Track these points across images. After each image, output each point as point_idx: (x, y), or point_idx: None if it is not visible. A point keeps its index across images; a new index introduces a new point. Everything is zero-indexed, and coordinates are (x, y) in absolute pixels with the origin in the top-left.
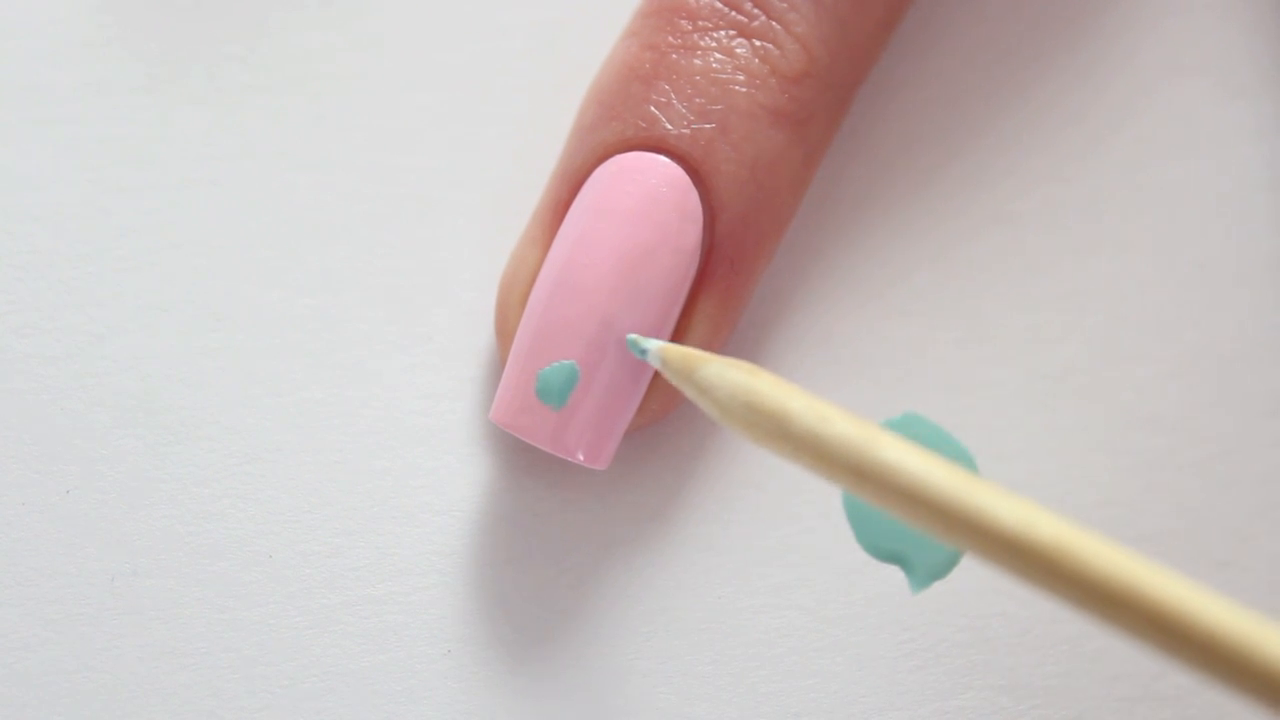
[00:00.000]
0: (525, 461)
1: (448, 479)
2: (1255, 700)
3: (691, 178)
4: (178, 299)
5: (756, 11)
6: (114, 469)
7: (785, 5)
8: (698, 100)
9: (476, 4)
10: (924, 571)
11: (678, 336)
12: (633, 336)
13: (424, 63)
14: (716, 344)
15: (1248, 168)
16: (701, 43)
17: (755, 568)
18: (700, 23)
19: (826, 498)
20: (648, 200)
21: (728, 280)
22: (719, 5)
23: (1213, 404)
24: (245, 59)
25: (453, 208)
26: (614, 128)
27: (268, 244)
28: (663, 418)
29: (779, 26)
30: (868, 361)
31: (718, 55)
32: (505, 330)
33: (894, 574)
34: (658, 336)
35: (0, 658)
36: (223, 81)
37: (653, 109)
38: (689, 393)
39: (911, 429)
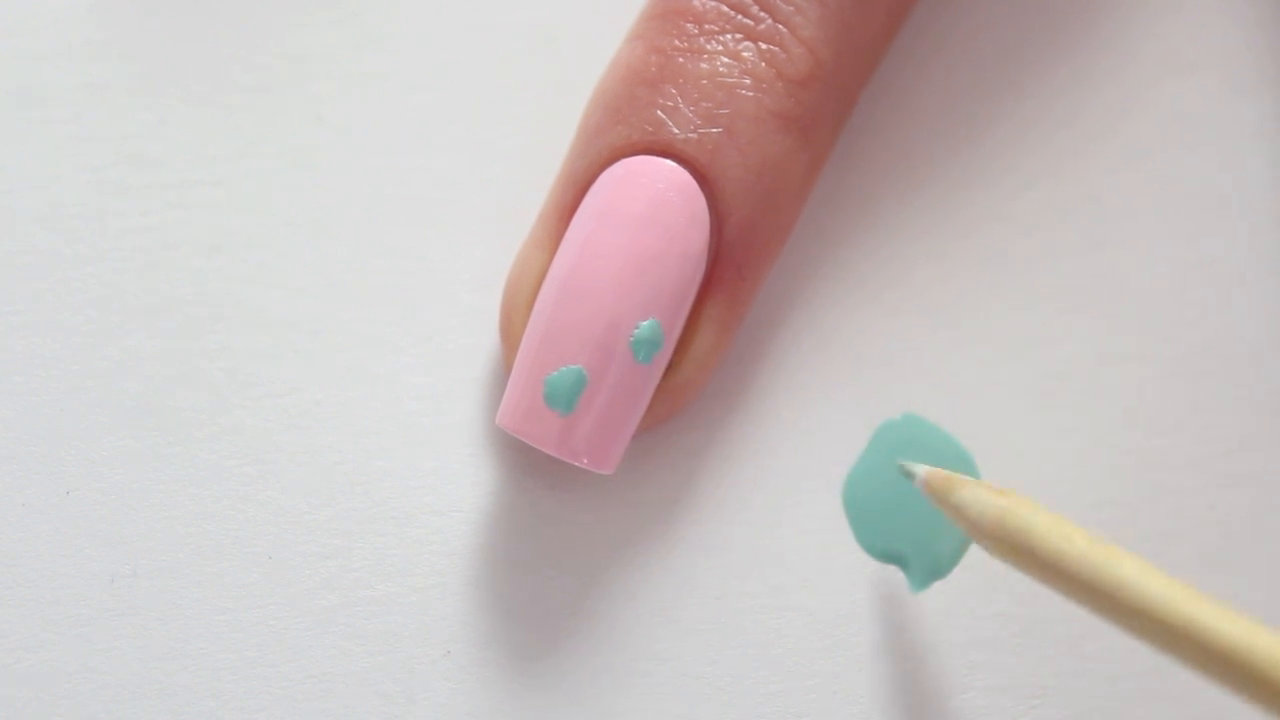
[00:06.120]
0: (525, 462)
1: (448, 480)
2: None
3: (698, 182)
4: (178, 299)
5: (763, 15)
6: (114, 469)
7: (791, 9)
8: (704, 104)
9: (480, 4)
10: (924, 571)
11: (684, 340)
12: (901, 463)
13: (426, 63)
14: (722, 346)
15: (1248, 165)
16: (708, 46)
17: (755, 568)
18: (706, 26)
19: (826, 499)
20: (654, 205)
21: (734, 284)
22: (725, 9)
23: (1213, 404)
24: (245, 59)
25: (452, 209)
26: (620, 131)
27: (268, 244)
28: (666, 420)
29: (785, 30)
30: (868, 361)
31: (724, 59)
32: (511, 334)
33: (894, 574)
34: (665, 340)
35: (0, 658)
36: (223, 81)
37: (659, 113)
38: (946, 510)
39: (911, 429)
